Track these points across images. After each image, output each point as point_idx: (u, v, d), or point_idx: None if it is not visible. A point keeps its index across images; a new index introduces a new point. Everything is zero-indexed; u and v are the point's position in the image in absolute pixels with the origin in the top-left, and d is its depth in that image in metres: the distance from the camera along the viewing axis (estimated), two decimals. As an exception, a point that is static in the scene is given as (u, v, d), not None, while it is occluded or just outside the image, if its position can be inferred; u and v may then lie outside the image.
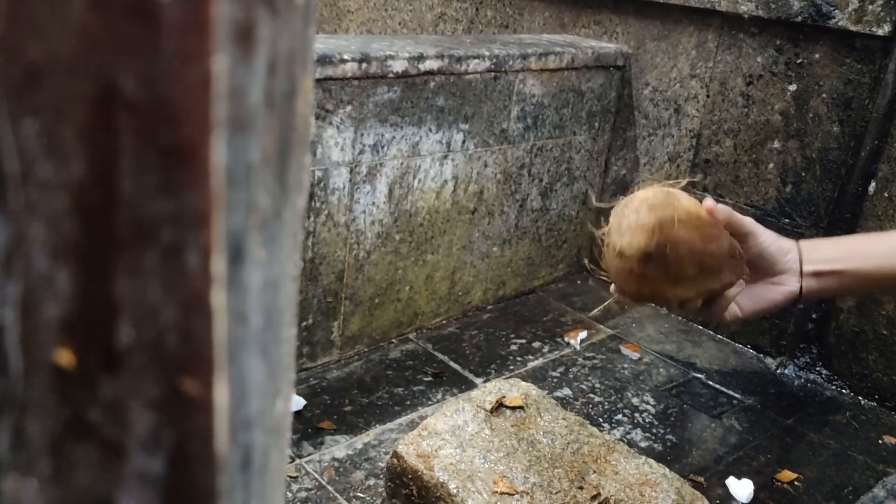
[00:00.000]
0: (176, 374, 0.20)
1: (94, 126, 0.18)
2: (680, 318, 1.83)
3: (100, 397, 0.21)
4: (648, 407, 1.45)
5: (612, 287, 0.91)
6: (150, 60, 0.18)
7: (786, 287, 0.88)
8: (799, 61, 1.56)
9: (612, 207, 0.87)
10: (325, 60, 1.28)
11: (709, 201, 0.86)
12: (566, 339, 1.65)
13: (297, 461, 1.20)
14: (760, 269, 0.91)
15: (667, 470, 1.05)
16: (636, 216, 0.82)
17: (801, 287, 0.86)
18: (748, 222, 0.90)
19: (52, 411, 0.21)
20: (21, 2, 0.18)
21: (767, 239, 0.89)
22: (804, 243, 0.90)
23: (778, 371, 1.64)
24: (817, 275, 0.85)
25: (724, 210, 0.86)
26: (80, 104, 0.18)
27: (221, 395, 0.21)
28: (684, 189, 0.87)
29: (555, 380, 1.50)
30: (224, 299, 0.21)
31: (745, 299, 0.92)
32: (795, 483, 1.30)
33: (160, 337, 0.20)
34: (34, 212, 0.19)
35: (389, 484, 1.06)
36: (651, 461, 1.06)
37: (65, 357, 0.20)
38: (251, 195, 0.22)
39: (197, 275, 0.20)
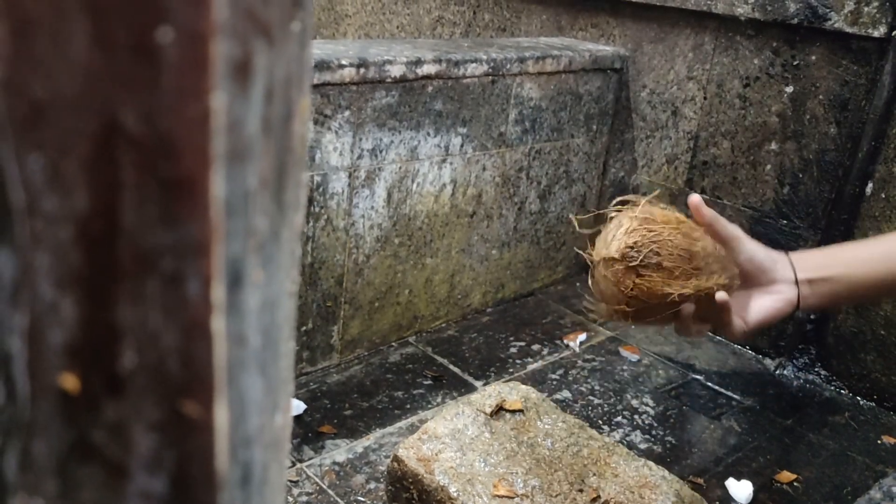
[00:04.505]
0: (177, 396, 0.21)
1: (96, 160, 0.19)
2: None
3: (104, 420, 0.21)
4: (648, 409, 1.46)
5: (603, 308, 0.93)
6: (151, 98, 0.19)
7: (783, 295, 0.88)
8: (795, 63, 1.56)
9: (597, 231, 0.90)
10: (322, 66, 1.29)
11: (694, 197, 0.88)
12: (565, 341, 1.65)
13: (298, 465, 1.21)
14: (751, 277, 0.92)
15: (666, 472, 1.05)
16: (620, 228, 0.86)
17: (798, 294, 0.86)
18: (733, 228, 0.91)
19: (58, 433, 0.21)
20: (26, 41, 0.19)
21: (754, 246, 0.90)
22: (793, 254, 0.90)
23: (777, 372, 1.64)
24: (810, 282, 0.86)
25: (708, 212, 0.88)
26: (83, 140, 0.19)
27: (221, 415, 0.22)
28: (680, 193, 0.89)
29: (554, 382, 1.51)
30: (223, 324, 0.21)
31: (746, 310, 0.92)
32: (795, 484, 1.30)
33: (162, 361, 0.21)
34: (40, 243, 0.20)
35: (390, 488, 1.06)
36: (650, 463, 1.06)
37: (70, 381, 0.21)
38: (249, 221, 0.23)
39: (197, 302, 0.20)
